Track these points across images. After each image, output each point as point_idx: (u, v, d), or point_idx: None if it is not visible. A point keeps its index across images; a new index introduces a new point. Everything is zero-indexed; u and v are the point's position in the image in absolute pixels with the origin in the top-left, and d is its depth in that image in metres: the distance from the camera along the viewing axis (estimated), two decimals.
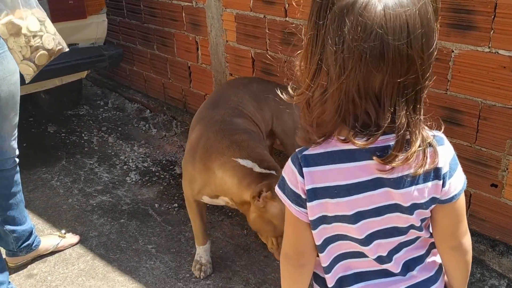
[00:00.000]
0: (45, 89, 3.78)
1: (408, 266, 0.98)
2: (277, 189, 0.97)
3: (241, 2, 2.76)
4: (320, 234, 0.95)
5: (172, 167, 3.08)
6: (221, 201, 1.91)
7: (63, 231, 2.35)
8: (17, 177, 2.07)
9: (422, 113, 0.84)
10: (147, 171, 3.04)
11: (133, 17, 3.76)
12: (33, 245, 2.17)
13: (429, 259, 1.00)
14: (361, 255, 0.97)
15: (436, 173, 0.87)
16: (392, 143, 0.83)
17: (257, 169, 1.74)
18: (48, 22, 1.83)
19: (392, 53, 0.77)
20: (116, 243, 2.36)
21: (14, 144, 1.98)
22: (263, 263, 2.21)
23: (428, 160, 0.84)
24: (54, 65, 2.78)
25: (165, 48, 3.55)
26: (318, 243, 0.96)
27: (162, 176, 2.99)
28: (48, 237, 2.29)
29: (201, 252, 2.15)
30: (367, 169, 0.87)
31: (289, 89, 0.90)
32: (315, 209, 0.91)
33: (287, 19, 2.55)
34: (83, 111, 4.00)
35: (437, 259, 1.02)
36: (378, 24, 0.76)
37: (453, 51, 1.96)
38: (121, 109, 4.04)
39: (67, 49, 1.93)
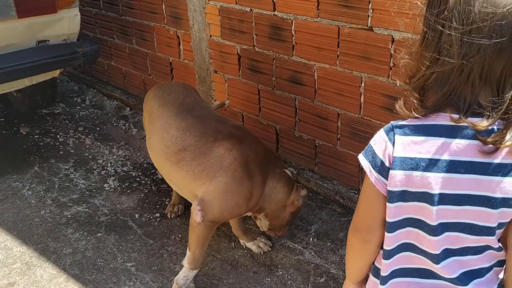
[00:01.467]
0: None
1: (465, 277, 0.92)
2: (360, 156, 0.94)
3: None
4: (395, 211, 0.91)
5: (153, 171, 2.88)
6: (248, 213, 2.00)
7: None
8: None
9: None
10: (127, 176, 2.83)
11: (110, 9, 3.52)
12: None
13: (489, 275, 0.94)
14: (423, 252, 0.93)
15: None
16: (496, 127, 0.82)
17: (289, 173, 2.01)
18: None
19: None
20: (92, 262, 2.16)
21: None
22: (253, 280, 2.04)
23: None
24: (21, 64, 2.57)
25: (144, 42, 3.32)
26: (390, 219, 0.92)
27: (143, 181, 2.79)
28: None
29: (191, 276, 1.95)
30: (466, 149, 0.84)
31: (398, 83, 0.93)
32: (397, 179, 0.88)
33: (275, 13, 2.35)
34: (58, 109, 3.76)
35: (501, 275, 0.95)
36: (509, 1, 0.76)
37: None
38: (99, 107, 3.81)
39: None
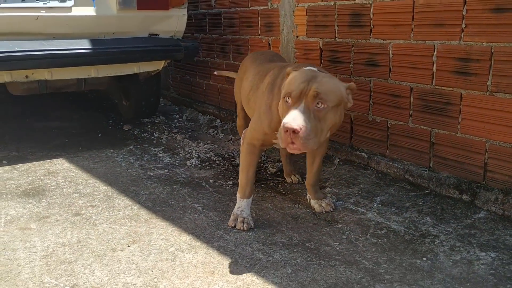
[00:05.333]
0: (126, 95, 4.05)
1: None
2: None
3: None
4: None
5: (233, 159, 3.06)
6: None
7: None
8: None
9: None
10: (208, 160, 3.04)
11: (214, 32, 3.99)
12: None
13: None
14: None
15: None
16: None
17: (313, 68, 1.86)
18: None
19: None
20: (164, 200, 2.33)
21: None
22: (311, 228, 2.05)
23: None
24: (134, 47, 3.01)
25: (239, 56, 3.68)
26: None
27: (221, 164, 2.97)
28: None
29: (243, 206, 2.05)
30: None
31: None
32: None
33: (356, 1, 2.56)
34: (158, 120, 4.18)
35: None
36: None
37: None
38: (194, 121, 4.17)
39: None
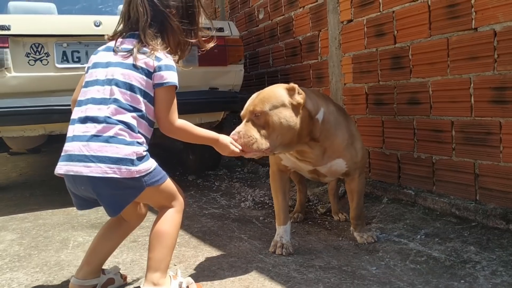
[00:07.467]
0: (192, 149, 4.35)
1: None
2: None
3: (357, 43, 3.02)
4: None
5: None
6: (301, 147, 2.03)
7: None
8: None
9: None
10: (262, 203, 3.18)
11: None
12: None
13: None
14: None
15: None
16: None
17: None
18: None
19: None
20: (214, 232, 2.48)
21: None
22: (351, 256, 2.08)
23: None
24: (196, 99, 3.32)
25: None
26: None
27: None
28: None
29: (282, 232, 2.15)
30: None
31: None
32: None
33: (396, 45, 2.70)
34: (221, 172, 4.42)
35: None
36: None
37: None
38: (254, 172, 4.36)
39: None
